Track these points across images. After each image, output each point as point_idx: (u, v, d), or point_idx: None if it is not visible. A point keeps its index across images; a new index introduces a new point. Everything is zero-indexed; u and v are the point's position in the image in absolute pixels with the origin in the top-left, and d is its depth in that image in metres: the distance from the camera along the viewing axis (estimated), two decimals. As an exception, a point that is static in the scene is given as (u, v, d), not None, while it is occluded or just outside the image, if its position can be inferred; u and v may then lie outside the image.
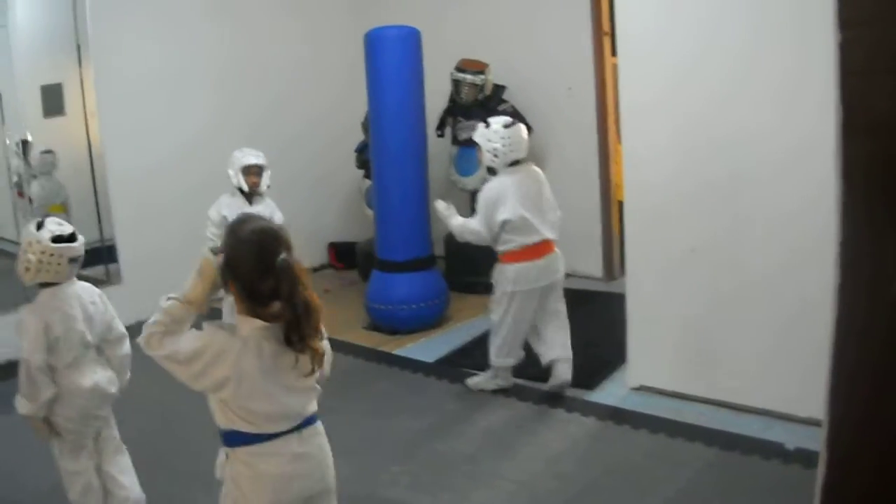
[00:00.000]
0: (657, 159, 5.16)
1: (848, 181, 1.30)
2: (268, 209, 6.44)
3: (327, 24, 9.09)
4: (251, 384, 2.85)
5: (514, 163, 5.51)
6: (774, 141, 4.64)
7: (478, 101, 7.99)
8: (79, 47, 7.34)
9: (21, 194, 7.29)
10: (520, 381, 5.88)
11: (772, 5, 4.65)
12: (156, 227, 7.67)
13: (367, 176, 8.24)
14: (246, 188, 6.45)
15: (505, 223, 5.39)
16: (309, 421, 3.06)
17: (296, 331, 2.83)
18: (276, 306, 2.81)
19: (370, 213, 7.89)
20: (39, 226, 3.90)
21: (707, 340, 5.10)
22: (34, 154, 7.30)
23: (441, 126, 8.32)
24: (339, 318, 7.46)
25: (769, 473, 4.34)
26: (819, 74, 3.56)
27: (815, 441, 4.43)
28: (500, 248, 5.53)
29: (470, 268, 7.87)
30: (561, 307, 5.71)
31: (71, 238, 3.98)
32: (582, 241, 8.15)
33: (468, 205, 8.39)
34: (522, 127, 5.60)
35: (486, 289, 7.92)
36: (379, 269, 7.23)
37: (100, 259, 7.52)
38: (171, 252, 7.71)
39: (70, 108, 7.52)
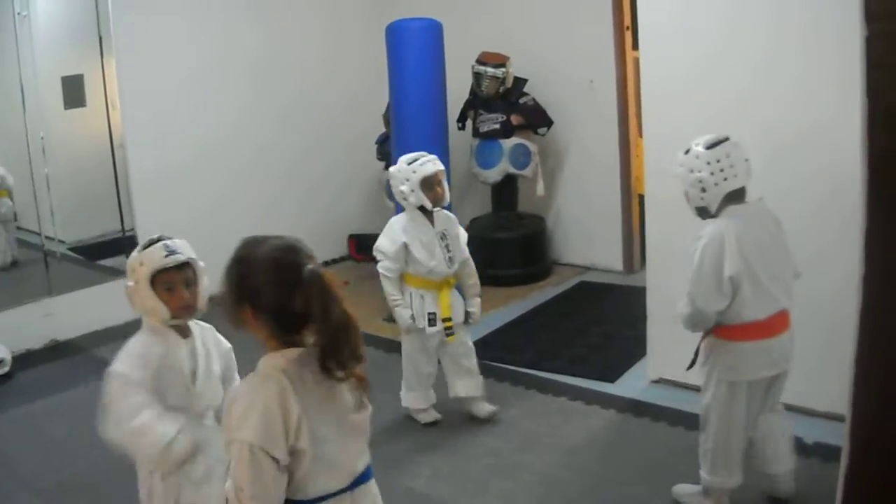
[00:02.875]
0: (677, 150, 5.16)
1: (872, 172, 1.31)
2: (452, 225, 5.37)
3: (351, 16, 9.07)
4: (313, 428, 2.37)
5: (733, 196, 3.91)
6: (795, 134, 4.63)
7: (499, 93, 7.98)
8: (101, 38, 7.33)
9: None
10: (538, 373, 5.90)
11: (793, -1, 4.66)
12: (177, 220, 7.67)
13: (387, 168, 8.24)
14: (430, 205, 5.12)
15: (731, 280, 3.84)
16: (363, 477, 2.57)
17: (333, 355, 2.39)
18: (310, 328, 2.42)
19: (391, 204, 7.88)
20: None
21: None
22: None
23: (462, 118, 8.33)
24: (358, 310, 7.36)
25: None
26: (839, 68, 3.55)
27: (834, 436, 4.46)
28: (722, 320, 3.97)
29: (491, 260, 7.87)
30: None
31: None
32: (602, 234, 8.17)
33: (489, 198, 8.41)
34: (737, 144, 3.93)
35: (506, 281, 7.96)
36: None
37: (121, 250, 7.54)
38: (192, 245, 7.77)
39: (91, 100, 7.52)
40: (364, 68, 8.62)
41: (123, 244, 7.51)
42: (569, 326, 6.81)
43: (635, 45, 7.65)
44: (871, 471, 1.45)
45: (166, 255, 3.24)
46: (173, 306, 3.24)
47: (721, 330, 3.96)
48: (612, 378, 5.71)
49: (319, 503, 2.44)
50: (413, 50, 6.91)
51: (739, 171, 3.87)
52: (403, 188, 5.09)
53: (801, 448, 4.50)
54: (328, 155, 8.97)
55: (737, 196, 3.89)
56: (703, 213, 3.98)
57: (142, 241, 3.31)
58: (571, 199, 8.49)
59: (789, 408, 4.61)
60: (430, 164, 5.12)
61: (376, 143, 8.59)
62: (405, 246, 5.09)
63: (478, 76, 7.99)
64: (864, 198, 1.34)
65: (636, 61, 7.29)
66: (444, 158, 7.08)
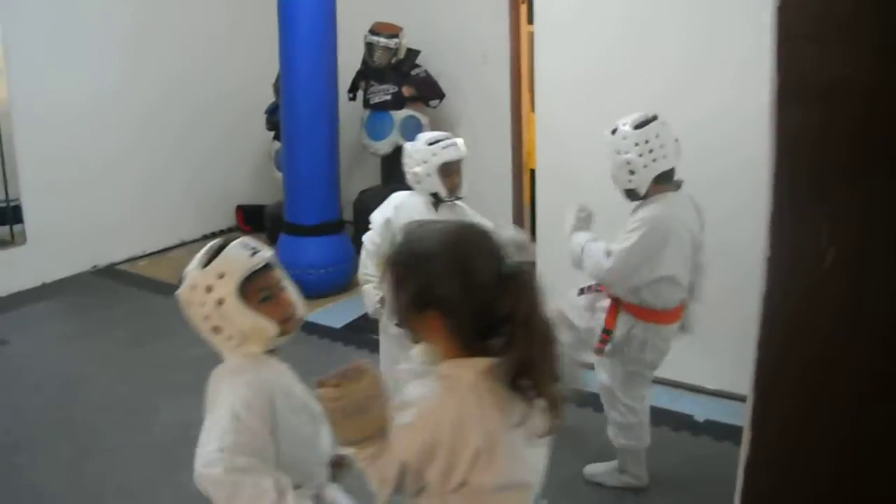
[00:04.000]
0: (570, 130, 5.14)
1: (779, 151, 1.26)
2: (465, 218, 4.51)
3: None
4: (503, 450, 2.06)
5: (663, 177, 3.87)
6: (692, 113, 4.62)
7: (391, 64, 7.90)
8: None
9: None
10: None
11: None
12: (63, 189, 7.46)
13: (276, 138, 8.13)
14: (444, 192, 4.54)
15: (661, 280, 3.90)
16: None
17: (530, 371, 2.03)
18: (501, 337, 2.04)
19: (279, 175, 7.79)
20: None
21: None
22: None
23: (353, 89, 8.22)
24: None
25: (679, 444, 4.37)
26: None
27: (725, 413, 4.51)
28: (633, 299, 4.00)
29: (380, 233, 7.83)
30: None
31: None
32: (493, 208, 8.10)
33: (378, 170, 8.33)
34: (666, 123, 3.87)
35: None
36: (287, 232, 7.15)
37: (4, 220, 7.33)
38: (78, 214, 7.56)
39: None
40: (260, 38, 8.43)
41: (7, 214, 7.35)
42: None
43: (530, 20, 7.63)
44: (773, 459, 1.41)
45: (252, 255, 2.46)
46: (279, 319, 2.50)
47: (653, 314, 3.94)
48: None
49: None
50: (305, 18, 6.81)
51: (669, 152, 3.79)
52: (418, 170, 4.47)
53: (692, 425, 4.53)
54: (219, 125, 8.79)
55: (666, 177, 3.84)
56: (632, 195, 3.91)
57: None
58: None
59: (680, 386, 4.66)
60: (452, 148, 4.51)
61: (265, 112, 8.47)
62: (388, 222, 4.46)
63: (370, 46, 7.89)
64: (771, 176, 1.28)
65: (530, 35, 7.26)
66: (334, 129, 7.01)
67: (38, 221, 7.40)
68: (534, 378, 2.02)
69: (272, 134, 8.38)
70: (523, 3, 7.66)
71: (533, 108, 7.26)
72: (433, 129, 8.03)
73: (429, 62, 8.00)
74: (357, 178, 8.63)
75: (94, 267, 7.90)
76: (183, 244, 8.62)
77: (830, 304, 1.29)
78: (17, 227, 7.42)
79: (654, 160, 3.77)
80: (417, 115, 8.03)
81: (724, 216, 4.25)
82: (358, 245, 7.47)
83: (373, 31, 7.87)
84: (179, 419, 5.05)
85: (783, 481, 1.39)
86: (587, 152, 5.05)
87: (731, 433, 4.49)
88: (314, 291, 6.98)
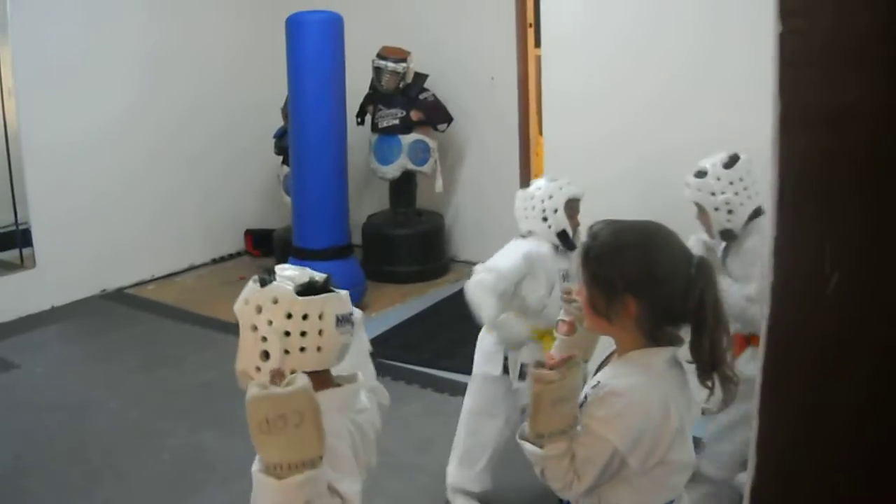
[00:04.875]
0: (578, 153, 5.15)
1: (782, 177, 1.26)
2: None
3: (257, 8, 8.87)
4: (686, 431, 2.29)
5: (755, 214, 3.83)
6: (719, 142, 4.58)
7: (399, 88, 7.91)
8: (-5, 24, 7.10)
9: None
10: (435, 372, 5.86)
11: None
12: (73, 213, 7.49)
13: (285, 162, 8.14)
14: (571, 231, 4.19)
15: None
16: None
17: (716, 353, 2.22)
18: (683, 326, 2.26)
19: (288, 200, 7.80)
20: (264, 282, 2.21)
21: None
22: None
23: (361, 113, 8.23)
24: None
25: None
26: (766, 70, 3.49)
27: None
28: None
29: (387, 257, 7.85)
30: None
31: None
32: (500, 232, 8.09)
33: (387, 194, 8.34)
34: (751, 159, 3.84)
35: (403, 278, 7.91)
36: (296, 256, 7.14)
37: (14, 243, 7.36)
38: (87, 238, 7.59)
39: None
40: (270, 63, 8.45)
41: (16, 237, 7.39)
42: (466, 325, 6.71)
43: (537, 43, 7.66)
44: (778, 485, 1.41)
45: None
46: None
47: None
48: (509, 377, 5.69)
49: None
50: (312, 43, 6.83)
51: (760, 188, 3.76)
52: (545, 205, 4.15)
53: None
54: (229, 150, 8.77)
55: (757, 214, 3.82)
56: (728, 235, 3.87)
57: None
58: (470, 196, 8.46)
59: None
60: (575, 185, 4.25)
61: (274, 136, 8.47)
62: (525, 261, 4.12)
63: (378, 71, 7.91)
64: (775, 203, 1.29)
65: (538, 59, 7.29)
66: (343, 154, 7.03)
67: (48, 245, 7.41)
68: (719, 360, 2.22)
69: (280, 158, 8.39)
70: (531, 26, 7.70)
71: (541, 131, 7.28)
72: (441, 152, 8.08)
73: (437, 86, 8.02)
74: (366, 203, 8.63)
75: (104, 291, 7.90)
76: (192, 268, 8.62)
77: (832, 329, 1.29)
78: (26, 251, 7.43)
79: (748, 197, 3.77)
80: (426, 139, 8.03)
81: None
82: (367, 269, 7.52)
83: (380, 56, 7.89)
84: (188, 444, 5.07)
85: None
86: (595, 174, 5.06)
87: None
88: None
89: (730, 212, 3.78)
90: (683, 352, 2.31)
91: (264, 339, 2.13)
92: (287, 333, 2.12)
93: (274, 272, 2.24)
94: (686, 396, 2.30)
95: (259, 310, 2.15)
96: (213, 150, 8.61)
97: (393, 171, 8.03)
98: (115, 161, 7.82)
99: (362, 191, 8.65)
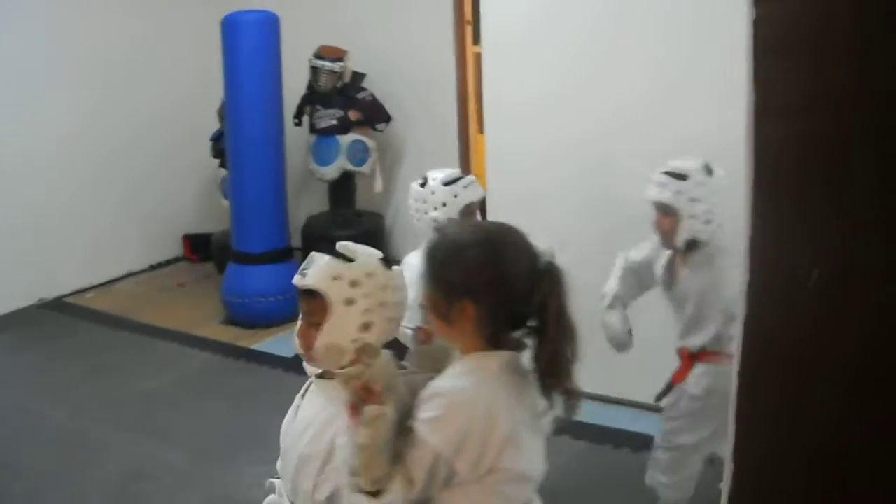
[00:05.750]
0: (522, 151, 5.12)
1: (758, 169, 1.22)
2: None
3: (184, 7, 8.73)
4: (523, 438, 2.19)
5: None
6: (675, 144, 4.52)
7: (336, 88, 7.83)
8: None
9: None
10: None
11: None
12: (6, 221, 7.30)
13: (222, 165, 8.02)
14: None
15: None
16: None
17: (558, 363, 2.16)
18: (524, 329, 2.20)
19: (226, 203, 7.68)
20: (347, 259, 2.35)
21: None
22: None
23: (299, 114, 8.13)
24: (194, 313, 7.27)
25: (640, 466, 4.31)
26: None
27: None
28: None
29: (329, 259, 7.77)
30: None
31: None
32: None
33: (326, 195, 8.27)
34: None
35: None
36: (235, 261, 7.05)
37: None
38: (22, 246, 7.42)
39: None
40: (197, 61, 8.31)
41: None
42: (410, 326, 6.72)
43: (475, 41, 7.62)
44: (757, 493, 1.37)
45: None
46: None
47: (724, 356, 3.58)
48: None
49: None
50: (248, 43, 6.74)
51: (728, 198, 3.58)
52: (436, 214, 3.86)
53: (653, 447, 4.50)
54: (156, 150, 8.56)
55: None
56: (693, 245, 3.67)
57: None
58: (410, 196, 8.40)
59: (639, 406, 4.62)
60: (474, 187, 4.01)
61: (211, 139, 8.34)
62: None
63: (315, 71, 7.82)
64: (750, 197, 1.24)
65: (476, 57, 7.25)
66: (281, 155, 6.95)
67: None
68: (560, 371, 2.15)
69: (218, 161, 8.28)
70: (469, 23, 7.66)
71: (481, 130, 7.24)
72: (380, 152, 8.02)
73: (374, 85, 7.94)
74: (304, 204, 8.54)
75: (41, 300, 7.74)
76: (130, 275, 8.46)
77: (811, 326, 1.25)
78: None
79: (722, 213, 3.57)
80: (364, 139, 7.95)
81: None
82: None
83: (317, 56, 7.81)
84: (132, 454, 4.96)
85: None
86: (540, 174, 5.03)
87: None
88: (264, 320, 6.89)
89: (707, 221, 3.57)
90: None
91: (367, 310, 2.26)
92: (384, 304, 2.28)
93: (347, 249, 2.36)
94: (525, 404, 2.23)
95: (354, 284, 2.26)
96: (138, 151, 8.42)
97: (332, 171, 7.95)
98: (50, 172, 7.64)
99: (301, 192, 8.56)
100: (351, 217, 8.21)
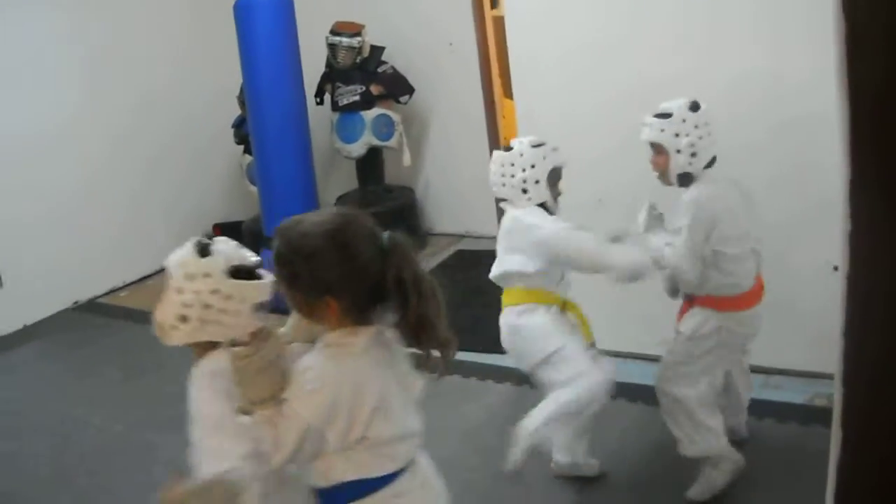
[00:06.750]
0: (553, 112, 5.00)
1: (854, 109, 1.08)
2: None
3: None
4: (394, 404, 2.34)
5: (710, 162, 3.82)
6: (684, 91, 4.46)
7: (356, 64, 7.74)
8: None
9: None
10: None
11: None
12: (32, 225, 7.25)
13: (247, 151, 7.94)
14: (552, 202, 4.00)
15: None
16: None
17: (423, 325, 2.28)
18: (388, 303, 2.30)
19: (253, 189, 7.60)
20: (204, 250, 2.45)
21: (620, 294, 4.88)
22: None
23: (319, 93, 8.04)
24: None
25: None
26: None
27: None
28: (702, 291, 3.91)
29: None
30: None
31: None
32: (474, 199, 7.92)
33: (354, 173, 8.18)
34: (709, 109, 3.81)
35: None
36: (268, 247, 6.94)
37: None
38: (51, 250, 7.36)
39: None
40: (221, 51, 8.19)
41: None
42: (450, 298, 6.53)
43: (493, 4, 7.50)
44: (865, 460, 1.27)
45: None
46: None
47: (723, 301, 3.86)
48: (502, 349, 5.52)
49: (404, 473, 2.41)
50: (263, 26, 6.61)
51: (715, 134, 3.78)
52: (525, 175, 3.90)
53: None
54: (190, 144, 8.51)
55: (712, 162, 3.82)
56: (686, 179, 3.81)
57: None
58: (440, 166, 8.30)
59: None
60: (559, 153, 3.98)
61: (232, 126, 8.25)
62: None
63: (333, 47, 7.72)
64: (848, 152, 1.10)
65: (496, 21, 7.12)
66: (305, 136, 6.84)
67: (11, 262, 7.17)
68: (429, 329, 2.28)
69: (242, 148, 8.19)
70: (485, -13, 7.55)
71: (506, 94, 7.10)
72: (406, 125, 7.92)
73: (394, 57, 7.84)
74: (333, 184, 8.47)
75: (76, 303, 7.69)
76: (163, 270, 8.37)
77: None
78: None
79: (711, 143, 3.74)
80: (389, 112, 7.87)
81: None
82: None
83: (334, 32, 7.70)
84: (178, 454, 4.88)
85: (882, 484, 1.24)
86: (573, 134, 4.90)
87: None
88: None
89: (693, 154, 3.73)
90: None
91: (187, 305, 2.38)
92: (207, 307, 2.36)
93: (211, 242, 2.47)
94: (393, 374, 2.37)
95: (190, 277, 2.39)
96: (172, 146, 8.37)
97: (358, 148, 7.87)
98: (68, 168, 7.59)
99: (329, 172, 8.48)
100: (381, 193, 8.13)
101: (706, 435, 3.92)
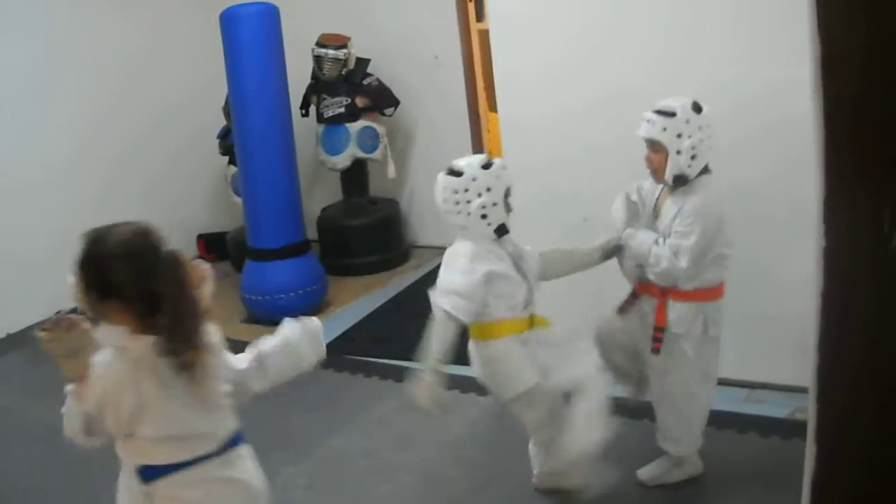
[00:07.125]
0: (537, 124, 5.01)
1: (830, 125, 1.09)
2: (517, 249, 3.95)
3: (183, 6, 8.60)
4: (157, 408, 2.62)
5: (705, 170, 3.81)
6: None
7: (341, 76, 7.74)
8: None
9: None
10: (408, 364, 5.69)
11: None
12: (12, 228, 7.22)
13: (231, 162, 7.93)
14: (507, 222, 3.84)
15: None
16: (231, 443, 2.84)
17: (176, 339, 2.57)
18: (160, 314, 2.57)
19: (238, 200, 7.58)
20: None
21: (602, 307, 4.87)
22: None
23: (305, 105, 8.04)
24: (213, 313, 7.18)
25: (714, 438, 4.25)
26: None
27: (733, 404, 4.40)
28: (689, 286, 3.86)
29: (345, 250, 7.69)
30: None
31: None
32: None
33: (338, 185, 8.18)
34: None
35: (364, 269, 7.75)
36: (252, 258, 6.95)
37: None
38: (33, 255, 7.32)
39: None
40: (199, 59, 8.19)
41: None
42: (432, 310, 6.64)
43: (479, 17, 7.51)
44: (839, 472, 1.29)
45: None
46: None
47: (709, 291, 3.88)
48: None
49: (194, 465, 2.71)
50: (248, 37, 6.60)
51: (715, 138, 3.75)
52: (482, 200, 3.74)
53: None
54: (166, 153, 8.45)
55: (706, 170, 3.81)
56: (680, 181, 3.76)
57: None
58: (424, 179, 8.25)
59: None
60: (508, 169, 3.84)
61: (218, 137, 8.24)
62: (490, 275, 3.82)
63: (318, 59, 7.73)
64: (820, 155, 1.11)
65: (481, 34, 7.14)
66: (290, 148, 6.84)
67: (-5, 270, 7.17)
68: (179, 347, 2.55)
69: (227, 159, 8.18)
70: (471, 1, 7.56)
71: (491, 107, 7.12)
72: (390, 137, 7.94)
73: (380, 70, 7.84)
74: (318, 195, 8.47)
75: (59, 312, 7.64)
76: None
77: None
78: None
79: (710, 148, 3.72)
80: (373, 125, 7.88)
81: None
82: (326, 263, 7.34)
83: (320, 44, 7.71)
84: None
85: (855, 497, 1.25)
86: (557, 145, 4.93)
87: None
88: (285, 316, 6.79)
89: (693, 157, 3.69)
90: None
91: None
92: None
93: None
94: (160, 381, 2.59)
95: None
96: (153, 157, 8.33)
97: (343, 160, 7.87)
98: (58, 182, 7.58)
99: (313, 184, 8.49)
100: (366, 205, 8.13)
101: (693, 441, 4.05)
